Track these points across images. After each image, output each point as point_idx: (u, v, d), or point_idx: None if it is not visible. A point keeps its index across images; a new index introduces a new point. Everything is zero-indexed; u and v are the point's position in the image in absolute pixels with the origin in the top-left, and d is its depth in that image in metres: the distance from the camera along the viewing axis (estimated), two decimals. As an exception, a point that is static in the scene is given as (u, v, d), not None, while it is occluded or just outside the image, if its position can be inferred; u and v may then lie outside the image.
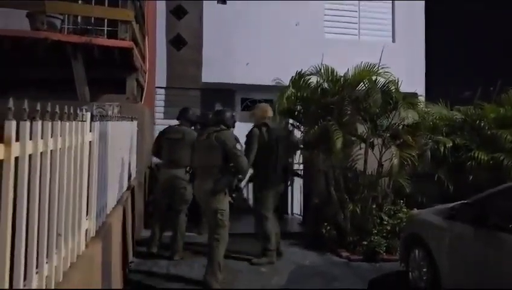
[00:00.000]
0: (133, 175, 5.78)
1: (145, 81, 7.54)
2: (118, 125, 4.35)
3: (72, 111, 2.52)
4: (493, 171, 5.97)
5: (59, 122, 2.23)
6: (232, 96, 9.35)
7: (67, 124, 2.38)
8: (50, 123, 2.08)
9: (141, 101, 7.21)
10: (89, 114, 2.96)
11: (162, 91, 9.20)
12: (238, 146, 4.49)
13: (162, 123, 8.77)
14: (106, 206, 3.68)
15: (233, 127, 4.80)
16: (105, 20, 6.28)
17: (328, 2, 9.45)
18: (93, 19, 6.11)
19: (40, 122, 1.94)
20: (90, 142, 3.00)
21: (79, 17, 6.47)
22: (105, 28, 6.42)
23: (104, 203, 3.60)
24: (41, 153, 1.99)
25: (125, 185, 4.97)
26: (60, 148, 2.28)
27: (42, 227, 2.04)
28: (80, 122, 2.63)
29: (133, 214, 5.42)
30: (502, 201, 3.58)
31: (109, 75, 6.37)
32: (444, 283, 3.87)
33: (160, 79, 9.02)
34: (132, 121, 5.64)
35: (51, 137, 2.12)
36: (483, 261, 3.41)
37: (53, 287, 2.12)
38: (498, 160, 5.92)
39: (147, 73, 7.67)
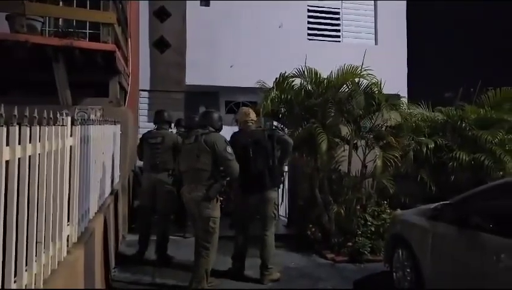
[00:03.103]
0: (117, 179, 5.71)
1: (128, 84, 7.48)
2: (100, 129, 4.29)
3: (51, 115, 2.48)
4: (474, 171, 6.06)
5: (37, 127, 2.19)
6: (216, 98, 9.33)
7: (47, 129, 2.34)
8: (28, 128, 2.04)
9: (124, 104, 7.14)
10: (69, 118, 2.91)
11: (146, 94, 9.14)
12: (228, 149, 4.27)
13: (145, 126, 8.71)
14: (89, 211, 3.63)
15: (221, 129, 4.57)
16: (87, 23, 6.21)
17: (311, 4, 9.48)
18: (74, 21, 6.04)
19: (16, 128, 1.91)
20: (71, 146, 2.95)
21: (60, 20, 6.39)
22: (87, 31, 6.36)
23: (87, 208, 3.55)
24: (19, 158, 1.95)
25: (108, 189, 4.90)
26: (39, 154, 2.24)
27: (21, 234, 2.00)
28: (59, 127, 2.59)
29: (116, 219, 5.35)
30: (483, 201, 3.63)
31: (92, 79, 6.30)
32: (427, 282, 3.91)
33: (144, 82, 8.96)
34: (115, 124, 5.57)
35: (29, 142, 2.08)
36: (465, 261, 3.45)
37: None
38: (479, 160, 6.01)
39: (130, 76, 7.60)
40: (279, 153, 4.95)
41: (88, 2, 5.82)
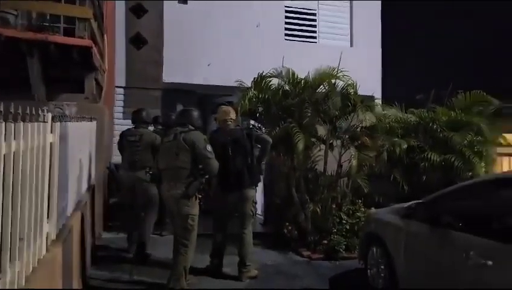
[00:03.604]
0: (92, 176, 5.64)
1: (104, 81, 7.37)
2: (77, 125, 4.24)
3: (33, 112, 2.45)
4: (445, 171, 6.27)
5: (21, 123, 2.17)
6: (193, 97, 9.30)
7: (29, 125, 2.32)
8: (13, 125, 2.02)
9: (100, 101, 7.04)
10: (50, 115, 2.88)
11: (122, 91, 9.01)
12: (208, 147, 4.28)
13: (121, 123, 8.61)
14: (66, 208, 3.59)
15: (201, 127, 4.60)
16: (61, 17, 6.08)
17: (288, 5, 9.56)
18: (48, 15, 5.90)
19: (2, 124, 1.89)
20: (51, 143, 2.92)
21: (33, 14, 6.23)
22: (62, 25, 6.22)
23: (65, 205, 3.51)
24: (4, 155, 1.94)
25: (85, 186, 4.85)
26: (23, 150, 2.22)
27: (5, 231, 1.98)
28: (42, 124, 2.56)
29: (93, 217, 5.29)
30: (454, 201, 3.78)
31: (67, 74, 6.18)
32: (400, 279, 4.04)
33: (120, 78, 8.84)
34: (91, 121, 5.50)
35: (14, 139, 2.06)
36: (436, 258, 3.59)
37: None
38: (449, 161, 6.23)
39: (106, 72, 7.49)
40: (258, 151, 5.02)
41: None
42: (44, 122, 2.67)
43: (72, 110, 5.71)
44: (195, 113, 4.56)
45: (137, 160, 5.38)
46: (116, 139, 6.24)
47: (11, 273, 2.03)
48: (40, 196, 2.61)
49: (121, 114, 8.95)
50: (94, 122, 5.80)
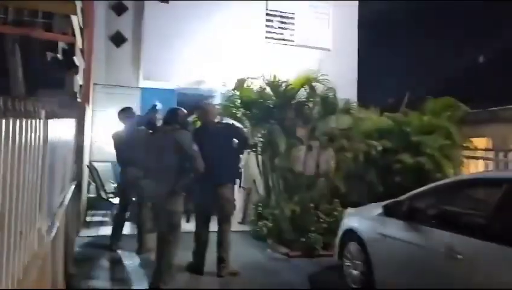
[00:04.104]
0: (73, 174, 5.63)
1: (83, 78, 7.31)
2: (61, 122, 4.25)
3: (24, 107, 2.50)
4: (417, 173, 6.55)
5: (23, 120, 2.22)
6: (172, 96, 9.32)
7: (28, 121, 2.37)
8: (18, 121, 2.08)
9: (79, 97, 7.00)
10: (43, 111, 2.92)
11: (100, 88, 8.93)
12: (194, 146, 4.37)
13: (100, 121, 8.56)
14: (53, 205, 3.61)
15: (187, 125, 4.68)
16: (39, 12, 6.03)
17: (269, 7, 9.68)
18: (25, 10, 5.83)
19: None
20: (43, 139, 2.95)
21: (9, 7, 6.14)
22: (40, 20, 6.17)
23: (52, 201, 3.53)
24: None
25: (68, 184, 4.85)
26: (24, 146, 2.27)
27: (10, 225, 2.03)
28: (39, 120, 2.61)
29: (75, 214, 5.30)
30: (427, 199, 4.03)
31: (46, 70, 6.14)
32: (376, 273, 4.25)
33: (98, 76, 8.77)
34: (72, 118, 5.49)
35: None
36: (411, 253, 3.81)
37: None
38: (421, 163, 6.52)
39: (85, 69, 7.43)
40: (238, 147, 5.08)
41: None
42: (39, 119, 2.72)
43: (52, 107, 5.68)
44: (182, 113, 4.63)
45: (130, 159, 5.42)
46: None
47: (11, 267, 2.09)
48: (34, 191, 2.65)
49: (100, 112, 8.87)
50: (74, 120, 5.78)
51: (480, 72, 12.04)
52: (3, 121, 1.93)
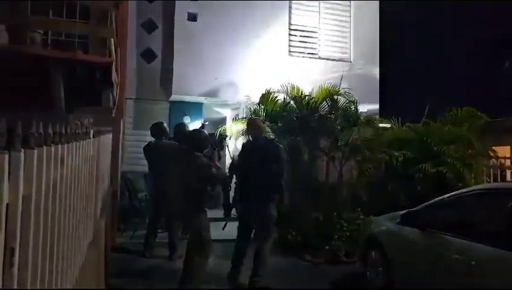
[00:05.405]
0: (108, 183, 6.04)
1: (117, 94, 7.77)
2: (102, 138, 4.65)
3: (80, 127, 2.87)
4: (438, 182, 6.68)
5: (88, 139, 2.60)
6: (200, 110, 9.73)
7: (85, 142, 2.75)
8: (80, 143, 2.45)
9: (114, 112, 7.44)
10: (92, 130, 3.30)
11: (131, 102, 9.42)
12: (213, 170, 4.52)
13: (131, 133, 9.04)
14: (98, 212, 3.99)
15: (207, 148, 4.82)
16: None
17: (292, 22, 9.99)
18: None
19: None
20: (91, 156, 3.34)
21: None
22: (76, 40, 6.63)
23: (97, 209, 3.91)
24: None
25: (106, 193, 5.25)
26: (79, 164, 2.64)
27: (74, 233, 2.40)
28: (91, 139, 2.99)
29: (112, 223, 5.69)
30: (444, 209, 4.23)
31: (86, 88, 6.58)
32: (397, 279, 4.46)
33: (130, 91, 9.26)
34: (108, 133, 5.91)
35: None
36: (428, 259, 4.02)
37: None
38: (442, 173, 6.65)
39: (119, 85, 7.89)
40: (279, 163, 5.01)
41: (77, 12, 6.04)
42: (91, 137, 3.10)
43: (90, 122, 6.11)
44: (203, 135, 4.81)
45: (163, 171, 5.77)
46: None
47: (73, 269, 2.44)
48: (90, 202, 3.03)
49: (131, 125, 9.35)
50: (110, 134, 6.21)
51: (504, 79, 12.00)
52: (70, 145, 2.31)
